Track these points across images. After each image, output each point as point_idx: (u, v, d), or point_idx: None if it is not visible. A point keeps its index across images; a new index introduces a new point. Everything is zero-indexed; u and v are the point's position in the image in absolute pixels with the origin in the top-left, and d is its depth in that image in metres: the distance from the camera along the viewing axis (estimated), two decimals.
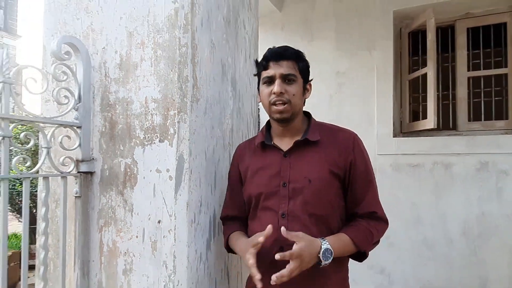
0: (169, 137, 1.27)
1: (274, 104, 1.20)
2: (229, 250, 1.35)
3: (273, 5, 3.56)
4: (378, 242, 1.24)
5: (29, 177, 1.23)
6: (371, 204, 1.21)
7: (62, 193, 1.36)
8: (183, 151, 1.27)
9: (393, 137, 3.15)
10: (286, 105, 1.19)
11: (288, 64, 1.20)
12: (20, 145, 1.25)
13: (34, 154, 4.81)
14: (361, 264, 1.29)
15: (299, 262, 1.03)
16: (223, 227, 1.41)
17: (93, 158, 1.42)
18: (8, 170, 1.16)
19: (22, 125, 1.74)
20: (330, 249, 1.08)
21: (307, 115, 1.33)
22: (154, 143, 1.30)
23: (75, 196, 1.42)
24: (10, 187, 5.56)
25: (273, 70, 1.20)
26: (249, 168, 1.30)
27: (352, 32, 3.31)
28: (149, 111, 1.32)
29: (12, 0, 26.71)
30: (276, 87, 1.18)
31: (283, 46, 1.25)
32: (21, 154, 1.28)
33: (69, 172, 1.37)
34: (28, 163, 1.26)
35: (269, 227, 1.09)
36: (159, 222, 1.27)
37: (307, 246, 1.05)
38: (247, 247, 1.12)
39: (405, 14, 3.21)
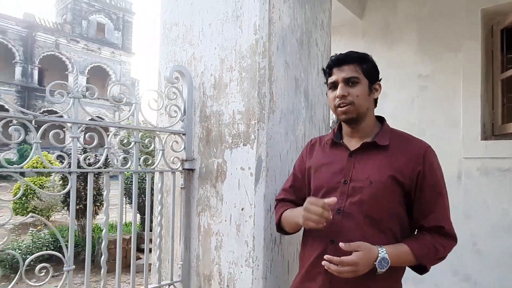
0: (250, 142, 1.60)
1: (339, 106, 1.24)
2: (279, 228, 1.41)
3: (353, 14, 3.70)
4: (444, 257, 1.20)
5: (151, 172, 1.68)
6: (439, 219, 1.17)
7: (171, 185, 1.79)
8: (261, 153, 1.58)
9: (482, 140, 3.02)
10: (349, 105, 1.22)
11: (350, 68, 1.24)
12: (145, 147, 1.70)
13: (146, 154, 5.69)
14: (444, 270, 1.33)
15: (353, 268, 1.07)
16: (277, 207, 1.45)
17: (194, 158, 1.82)
18: (137, 166, 1.61)
19: (145, 132, 2.26)
20: (387, 259, 1.09)
21: (380, 119, 1.33)
22: (239, 146, 1.64)
23: (181, 188, 1.85)
24: (128, 182, 6.62)
25: (336, 75, 1.25)
26: (316, 162, 1.35)
27: (436, 34, 3.26)
28: (236, 121, 1.66)
29: (128, 22, 30.92)
30: (339, 90, 1.23)
31: (346, 52, 1.29)
32: (145, 155, 1.73)
33: (177, 169, 1.79)
34: (150, 161, 1.71)
35: (333, 199, 1.11)
36: (242, 209, 1.60)
37: (365, 255, 1.07)
38: (305, 206, 1.15)
39: (495, 11, 3.05)
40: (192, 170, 1.83)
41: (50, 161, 6.79)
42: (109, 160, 1.73)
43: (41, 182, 7.72)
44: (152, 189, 1.76)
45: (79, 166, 1.45)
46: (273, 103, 1.64)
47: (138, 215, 6.61)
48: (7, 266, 4.93)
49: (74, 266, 1.47)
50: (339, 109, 1.25)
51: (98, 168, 1.56)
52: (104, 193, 1.56)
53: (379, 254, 1.09)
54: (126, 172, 1.92)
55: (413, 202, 1.20)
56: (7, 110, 18.82)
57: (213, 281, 1.70)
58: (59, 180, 5.98)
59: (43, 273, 1.42)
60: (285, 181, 1.71)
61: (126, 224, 7.28)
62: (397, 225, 1.20)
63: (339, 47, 2.27)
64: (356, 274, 1.08)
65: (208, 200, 1.75)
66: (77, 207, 6.01)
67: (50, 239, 5.55)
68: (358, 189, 1.20)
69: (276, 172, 1.65)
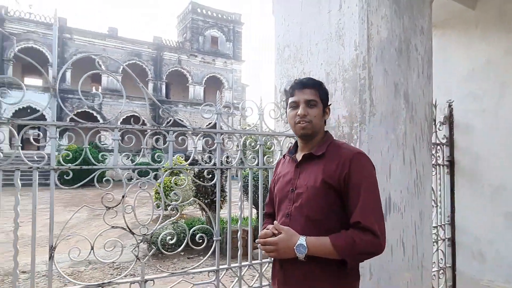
0: (353, 141, 1.88)
1: (299, 123, 1.42)
2: None
3: (464, 6, 3.58)
4: (367, 254, 1.27)
5: (272, 168, 2.11)
6: (358, 215, 1.26)
7: None
8: (363, 150, 1.85)
9: None
10: (307, 123, 1.40)
11: (311, 92, 1.42)
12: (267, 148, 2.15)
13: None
14: None
15: (274, 248, 1.28)
16: (263, 223, 1.66)
17: None
18: (262, 163, 2.05)
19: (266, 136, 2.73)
20: (303, 245, 1.25)
21: (327, 134, 1.50)
22: None
23: None
24: (245, 180, 7.38)
25: (298, 96, 1.43)
26: (278, 175, 1.57)
27: None
28: (341, 125, 1.97)
29: (238, 32, 33.29)
30: (300, 110, 1.40)
31: (306, 78, 1.50)
32: (267, 154, 2.20)
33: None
34: (271, 160, 2.14)
35: (271, 227, 1.33)
36: None
37: (285, 237, 1.28)
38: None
39: None
40: None
41: (180, 162, 8.02)
42: (229, 160, 2.19)
43: (175, 181, 9.16)
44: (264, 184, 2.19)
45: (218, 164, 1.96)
46: (373, 108, 1.90)
47: (254, 210, 7.30)
48: (156, 247, 6.08)
49: (220, 238, 1.98)
50: (298, 125, 1.42)
51: (230, 166, 2.05)
52: (227, 189, 2.04)
53: (298, 241, 1.26)
54: (244, 171, 2.39)
55: (345, 202, 1.32)
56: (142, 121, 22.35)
57: None
58: (184, 179, 7.04)
59: (201, 241, 1.97)
60: (387, 175, 1.94)
61: (244, 219, 8.08)
62: (338, 224, 1.31)
63: (451, 41, 2.35)
64: (277, 253, 1.29)
65: None
66: (205, 201, 6.98)
67: (186, 227, 6.59)
68: (299, 195, 1.39)
69: (377, 167, 1.89)
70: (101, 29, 35.00)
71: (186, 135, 2.12)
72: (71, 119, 2.05)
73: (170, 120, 25.80)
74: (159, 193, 9.24)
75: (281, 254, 1.30)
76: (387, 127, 1.97)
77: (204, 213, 7.40)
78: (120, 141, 1.88)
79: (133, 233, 1.82)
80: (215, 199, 6.78)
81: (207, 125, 2.19)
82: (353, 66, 1.91)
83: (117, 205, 1.79)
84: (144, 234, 1.83)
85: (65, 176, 1.74)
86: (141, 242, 1.81)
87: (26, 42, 23.23)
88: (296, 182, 1.42)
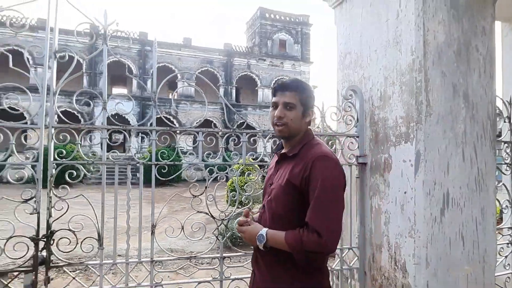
0: (410, 140, 2.03)
1: (276, 124, 1.52)
2: None
3: None
4: (314, 253, 1.34)
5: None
6: (308, 215, 1.37)
7: (349, 175, 2.39)
8: (420, 148, 1.99)
9: None
10: (283, 126, 1.50)
11: (291, 94, 1.49)
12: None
13: None
14: None
15: (242, 234, 1.53)
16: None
17: (365, 155, 2.37)
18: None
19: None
20: (263, 235, 1.43)
21: (306, 134, 1.56)
22: (401, 144, 2.09)
23: (356, 177, 2.42)
24: None
25: (278, 98, 1.52)
26: (268, 168, 1.76)
27: None
28: (398, 124, 2.12)
29: (306, 34, 33.36)
30: (277, 111, 1.50)
31: (290, 80, 1.59)
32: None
33: (353, 163, 2.39)
34: None
35: (247, 219, 1.56)
36: (405, 192, 2.04)
37: (251, 228, 1.50)
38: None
39: None
40: (364, 163, 2.38)
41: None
42: None
43: (245, 181, 9.68)
44: None
45: None
46: (430, 108, 2.02)
47: None
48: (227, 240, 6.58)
49: None
50: (275, 126, 1.54)
51: None
52: None
53: (260, 231, 1.45)
54: None
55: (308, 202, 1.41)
56: (215, 125, 23.67)
57: (383, 249, 2.20)
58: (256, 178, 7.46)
59: None
60: (445, 171, 2.06)
61: None
62: (298, 220, 1.41)
63: None
64: (245, 238, 1.52)
65: (378, 186, 2.26)
66: None
67: None
68: (272, 191, 1.54)
69: (435, 163, 2.02)
70: (176, 39, 37.50)
71: (257, 136, 2.44)
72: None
73: (242, 122, 26.89)
74: (231, 190, 9.82)
75: (247, 240, 1.53)
76: (445, 126, 2.07)
77: None
78: (192, 143, 2.27)
79: (213, 217, 2.19)
80: None
81: None
82: (409, 70, 2.06)
83: (201, 194, 2.17)
84: (222, 219, 2.19)
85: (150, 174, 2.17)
86: (220, 224, 2.18)
87: (113, 57, 25.87)
88: (273, 178, 1.57)
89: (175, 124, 23.59)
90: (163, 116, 2.40)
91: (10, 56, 2.05)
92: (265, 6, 33.23)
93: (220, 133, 2.41)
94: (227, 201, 9.45)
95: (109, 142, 2.11)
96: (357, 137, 2.38)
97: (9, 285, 1.77)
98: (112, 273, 2.96)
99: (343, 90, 2.34)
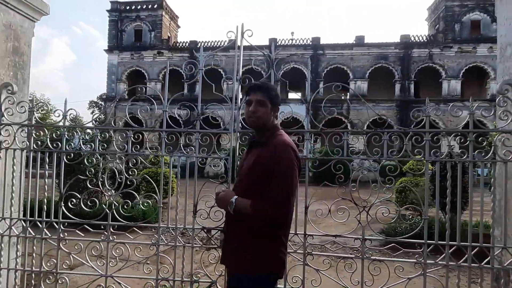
0: None
1: (250, 117, 1.93)
2: None
3: None
4: (270, 217, 1.77)
5: (486, 162, 2.28)
6: (268, 188, 1.78)
7: (503, 174, 2.26)
8: None
9: None
10: (256, 119, 1.91)
11: (262, 94, 1.92)
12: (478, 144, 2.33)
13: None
14: None
15: (217, 201, 1.98)
16: None
17: None
18: (472, 157, 2.27)
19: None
20: (233, 202, 1.83)
21: (273, 127, 1.95)
22: None
23: None
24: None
25: (252, 96, 1.94)
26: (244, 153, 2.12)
27: None
28: None
29: None
30: (252, 107, 1.91)
31: (261, 82, 2.09)
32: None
33: (509, 160, 2.24)
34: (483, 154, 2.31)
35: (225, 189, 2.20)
36: None
37: (224, 195, 1.93)
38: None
39: None
40: None
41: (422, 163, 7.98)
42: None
43: (417, 181, 9.11)
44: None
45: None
46: None
47: None
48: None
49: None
50: (249, 119, 1.94)
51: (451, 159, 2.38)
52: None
53: (231, 199, 1.85)
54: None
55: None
56: (389, 125, 22.46)
57: None
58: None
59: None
60: None
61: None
62: (260, 194, 1.80)
63: None
64: (219, 204, 1.98)
65: None
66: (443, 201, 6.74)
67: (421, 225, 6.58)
68: (241, 172, 2.00)
69: None
70: (348, 39, 37.53)
71: (441, 134, 2.55)
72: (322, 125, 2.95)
73: (421, 120, 24.41)
74: (399, 193, 9.47)
75: (220, 205, 1.99)
76: None
77: (444, 213, 7.17)
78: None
79: (356, 204, 2.52)
80: (455, 199, 6.42)
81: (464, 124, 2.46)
82: None
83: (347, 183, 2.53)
84: (364, 206, 2.50)
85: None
86: (362, 211, 2.50)
87: (288, 64, 28.02)
88: (244, 162, 2.00)
89: (347, 125, 23.81)
90: (335, 116, 2.80)
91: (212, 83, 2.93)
92: None
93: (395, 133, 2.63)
94: (397, 201, 9.12)
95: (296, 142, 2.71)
96: None
97: (211, 238, 2.58)
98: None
99: (498, 85, 2.25)
